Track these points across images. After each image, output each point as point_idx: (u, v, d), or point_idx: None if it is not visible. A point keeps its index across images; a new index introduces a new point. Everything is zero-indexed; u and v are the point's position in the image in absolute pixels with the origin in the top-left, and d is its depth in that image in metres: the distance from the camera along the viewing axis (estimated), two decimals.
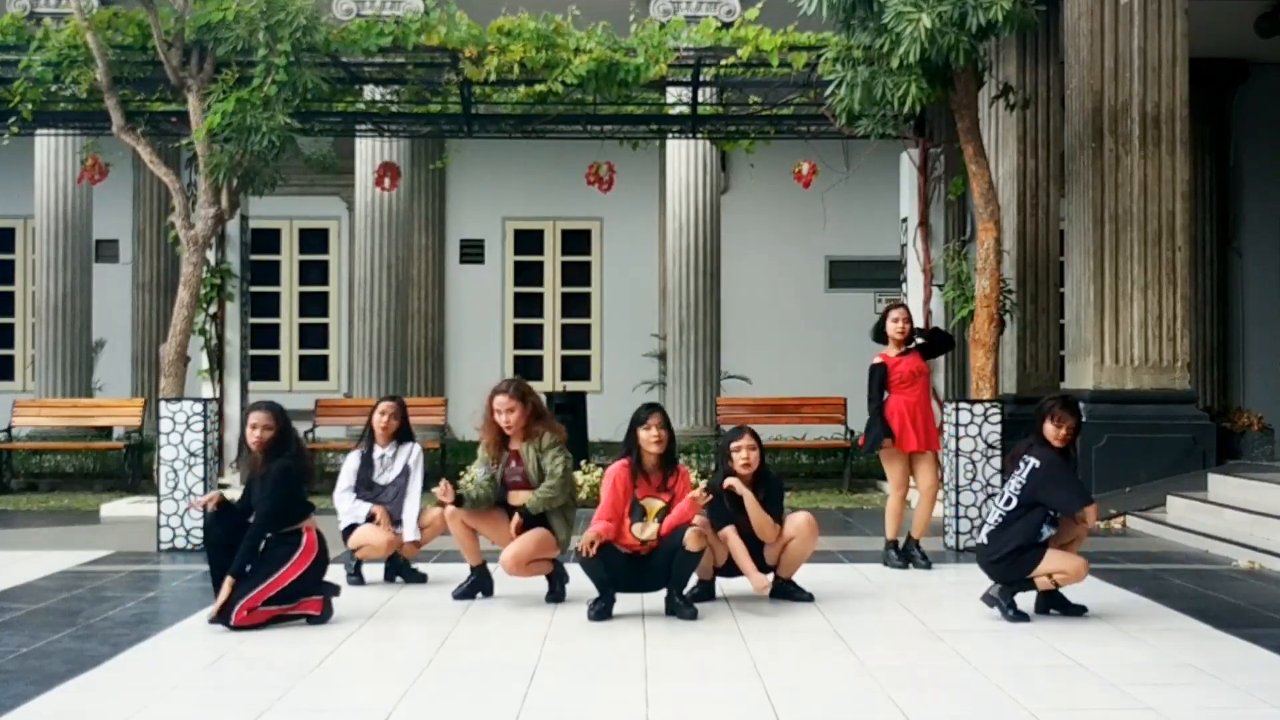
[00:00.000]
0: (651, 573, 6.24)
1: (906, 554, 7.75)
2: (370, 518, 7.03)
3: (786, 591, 6.60)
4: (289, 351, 17.94)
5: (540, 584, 6.65)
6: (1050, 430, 6.14)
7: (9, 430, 13.41)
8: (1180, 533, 9.10)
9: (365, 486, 7.13)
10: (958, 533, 8.59)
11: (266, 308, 17.18)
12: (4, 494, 12.65)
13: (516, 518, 6.42)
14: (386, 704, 4.55)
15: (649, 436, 6.26)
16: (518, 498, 6.49)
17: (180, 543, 8.53)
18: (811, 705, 4.58)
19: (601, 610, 6.13)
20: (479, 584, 6.72)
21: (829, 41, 9.50)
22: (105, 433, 13.84)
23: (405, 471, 7.10)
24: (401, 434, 7.20)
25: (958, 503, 8.59)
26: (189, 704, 4.65)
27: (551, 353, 18.02)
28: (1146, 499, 10.27)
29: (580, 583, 6.34)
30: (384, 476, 7.11)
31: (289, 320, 17.97)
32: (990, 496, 8.59)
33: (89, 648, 5.48)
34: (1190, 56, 11.39)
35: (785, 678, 4.94)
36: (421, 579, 7.17)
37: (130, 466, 12.92)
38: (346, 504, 7.13)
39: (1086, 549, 7.66)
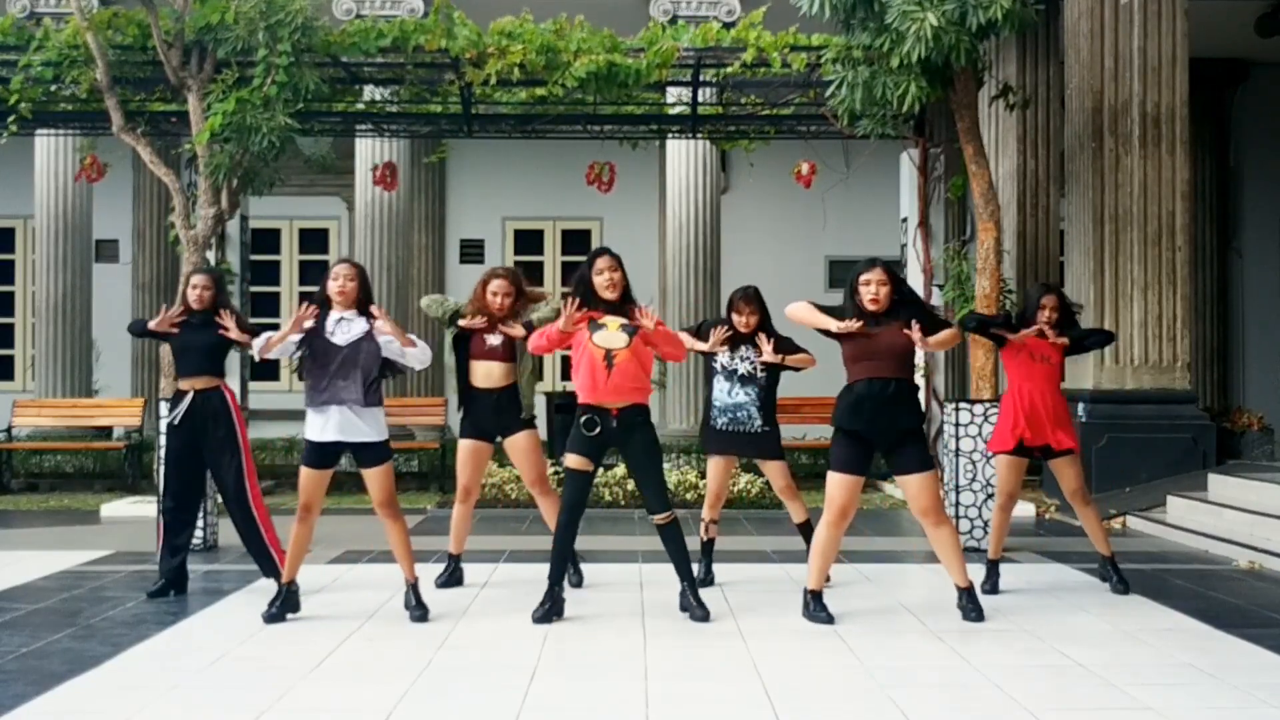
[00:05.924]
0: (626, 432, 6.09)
1: (1102, 575, 6.99)
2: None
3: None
4: None
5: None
6: (737, 320, 6.90)
7: (9, 430, 13.41)
8: (1180, 533, 9.10)
9: (320, 354, 6.22)
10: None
11: (266, 308, 17.17)
12: (4, 494, 12.65)
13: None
14: (386, 704, 4.55)
15: (602, 282, 5.96)
16: (477, 369, 6.86)
17: None
18: (811, 705, 4.57)
19: (547, 612, 5.95)
20: (459, 574, 7.04)
21: (829, 42, 9.50)
22: (105, 433, 13.84)
23: (365, 334, 6.14)
24: (363, 303, 6.24)
25: (957, 503, 8.60)
26: (189, 704, 4.64)
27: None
28: (1146, 499, 10.27)
29: (575, 592, 6.29)
30: (339, 337, 6.16)
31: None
32: (990, 496, 8.60)
33: (89, 648, 5.48)
34: (1190, 56, 11.40)
35: (785, 678, 4.94)
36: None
37: (130, 466, 12.92)
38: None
39: (1088, 550, 7.64)
